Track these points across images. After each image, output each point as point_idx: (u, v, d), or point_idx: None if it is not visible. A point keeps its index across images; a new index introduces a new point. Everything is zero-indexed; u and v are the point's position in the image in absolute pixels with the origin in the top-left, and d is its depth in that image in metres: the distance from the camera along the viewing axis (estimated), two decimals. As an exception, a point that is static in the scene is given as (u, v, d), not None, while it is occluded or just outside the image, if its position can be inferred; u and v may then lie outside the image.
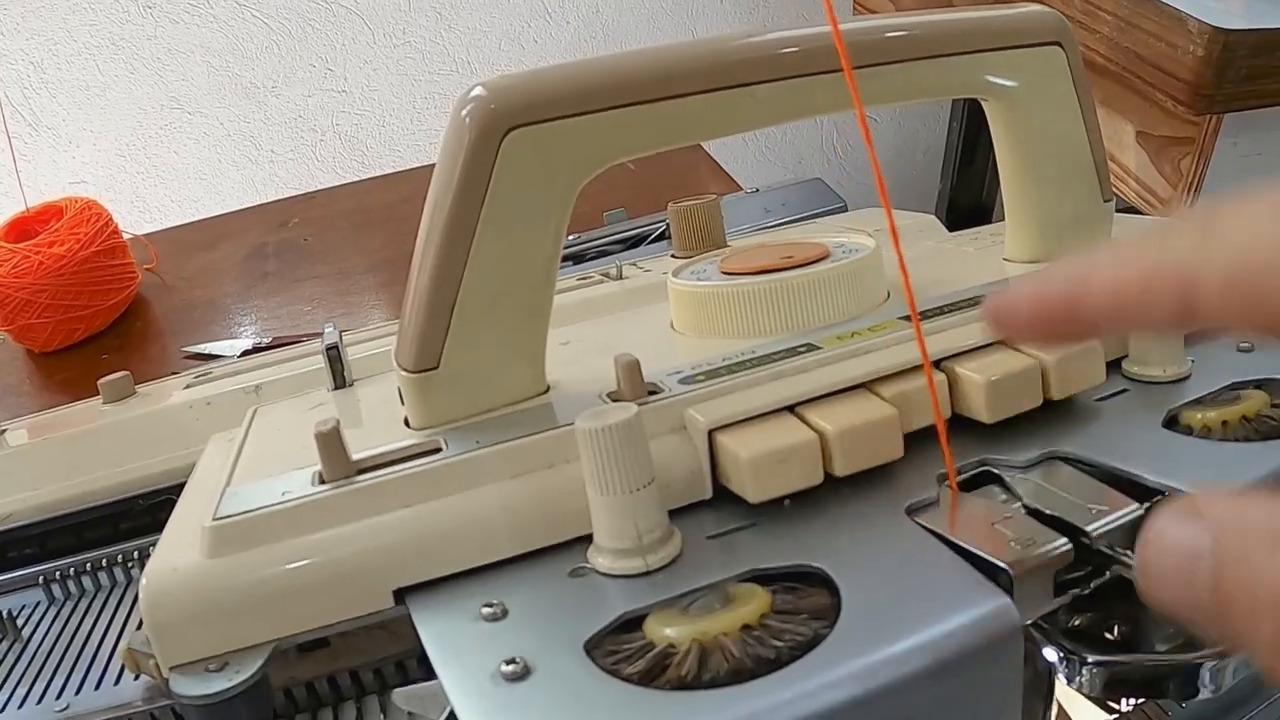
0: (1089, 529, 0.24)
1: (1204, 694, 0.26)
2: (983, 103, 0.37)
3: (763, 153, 1.40)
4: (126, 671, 0.32)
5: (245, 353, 0.68)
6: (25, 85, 1.13)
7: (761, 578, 0.23)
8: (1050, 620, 0.26)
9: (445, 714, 0.21)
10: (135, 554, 0.40)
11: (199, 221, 0.90)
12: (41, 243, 0.70)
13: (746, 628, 0.21)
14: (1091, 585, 0.26)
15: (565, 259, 0.68)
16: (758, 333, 0.33)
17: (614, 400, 0.29)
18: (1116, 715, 0.31)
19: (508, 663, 0.21)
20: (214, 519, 0.26)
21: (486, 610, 0.23)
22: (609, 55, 0.29)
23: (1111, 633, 0.27)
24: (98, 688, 0.32)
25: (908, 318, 0.33)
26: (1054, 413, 0.30)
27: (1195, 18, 0.62)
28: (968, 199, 1.25)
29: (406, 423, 0.30)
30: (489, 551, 0.25)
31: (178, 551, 0.26)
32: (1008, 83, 0.36)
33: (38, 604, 0.39)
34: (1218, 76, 0.62)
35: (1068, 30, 0.37)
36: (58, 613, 0.38)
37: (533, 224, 0.28)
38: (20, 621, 0.38)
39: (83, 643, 0.35)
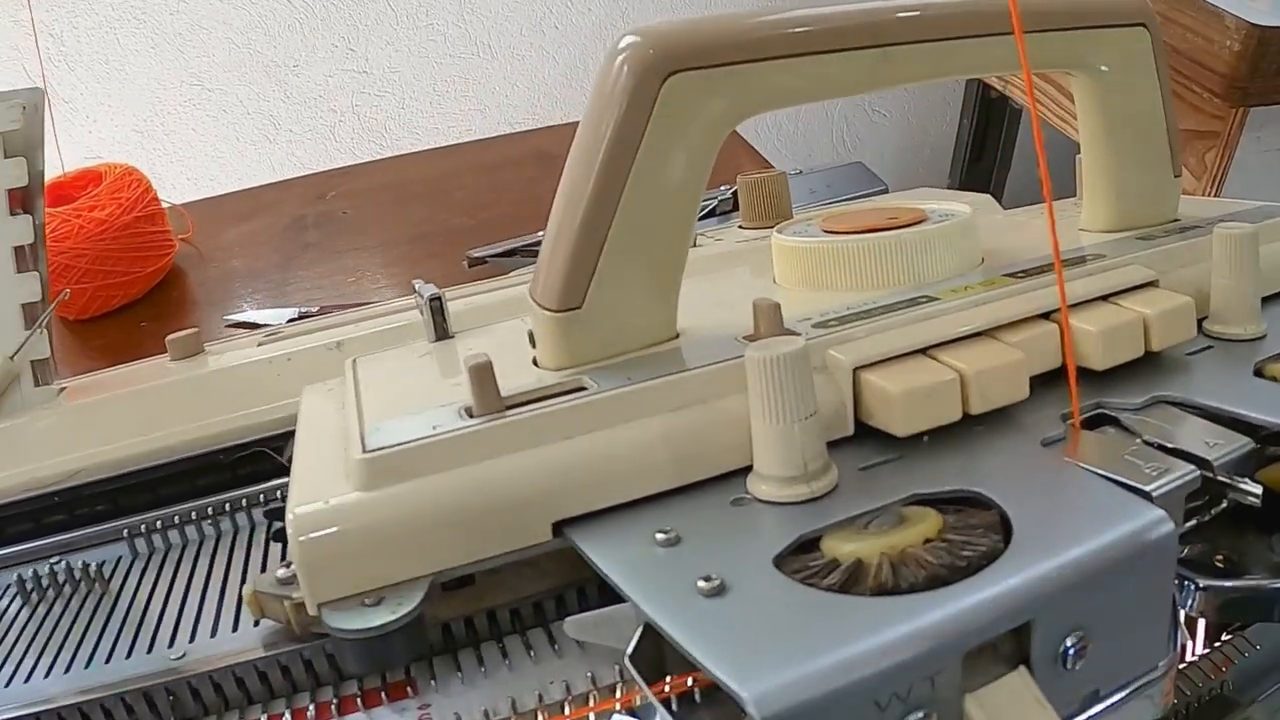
0: (1212, 459, 0.26)
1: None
2: (1071, 76, 0.38)
3: (775, 144, 1.41)
4: (244, 619, 0.31)
5: (291, 321, 0.69)
6: (45, 57, 1.12)
7: (926, 501, 0.24)
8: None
9: (635, 638, 0.22)
10: (225, 506, 0.39)
11: (234, 193, 0.90)
12: (82, 206, 0.70)
13: (928, 542, 0.22)
14: (1211, 513, 0.27)
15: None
16: (869, 287, 0.34)
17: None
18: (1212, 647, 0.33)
19: (704, 579, 0.22)
20: (365, 452, 0.26)
21: (661, 536, 0.24)
22: (762, 10, 0.30)
23: (1219, 562, 0.29)
24: (213, 635, 0.30)
25: (1012, 275, 0.34)
26: (1153, 364, 0.32)
27: (1233, 14, 0.64)
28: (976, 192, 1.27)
29: (535, 364, 0.31)
30: (651, 483, 0.26)
31: (322, 488, 0.26)
32: (1099, 59, 0.37)
33: (119, 559, 0.38)
34: (1251, 70, 0.64)
35: (1152, 13, 0.39)
36: (144, 567, 0.37)
37: (683, 167, 0.29)
38: (106, 575, 0.37)
39: (182, 593, 0.34)
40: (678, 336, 0.32)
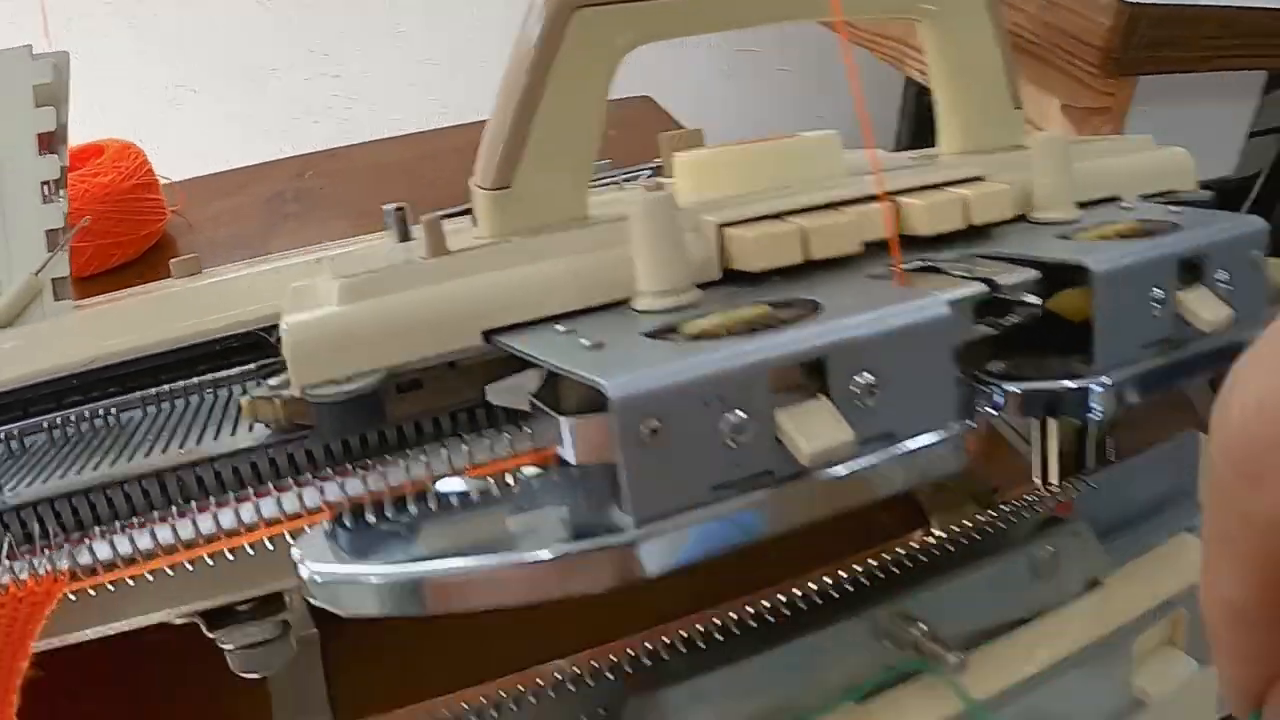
0: (1000, 280, 0.34)
1: (1095, 415, 0.35)
2: (916, 23, 0.46)
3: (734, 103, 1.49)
4: (241, 427, 0.37)
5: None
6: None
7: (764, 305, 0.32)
8: (980, 368, 0.36)
9: (539, 383, 0.30)
10: (226, 381, 0.45)
11: (218, 174, 0.98)
12: (86, 174, 0.78)
13: (760, 318, 0.30)
14: (1002, 322, 0.35)
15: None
16: (749, 186, 0.42)
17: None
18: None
19: (587, 341, 0.29)
20: (343, 276, 0.34)
21: (561, 328, 0.32)
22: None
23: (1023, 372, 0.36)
24: (215, 438, 0.36)
25: (861, 174, 0.42)
26: (976, 235, 0.39)
27: (1104, -9, 0.73)
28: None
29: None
30: (558, 304, 0.34)
31: (308, 306, 0.33)
32: (935, 6, 0.46)
33: (132, 416, 0.43)
34: (1124, 43, 0.73)
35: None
36: (155, 416, 0.42)
37: (588, 81, 0.37)
38: (124, 422, 0.42)
39: (188, 426, 0.39)
40: (589, 218, 0.40)
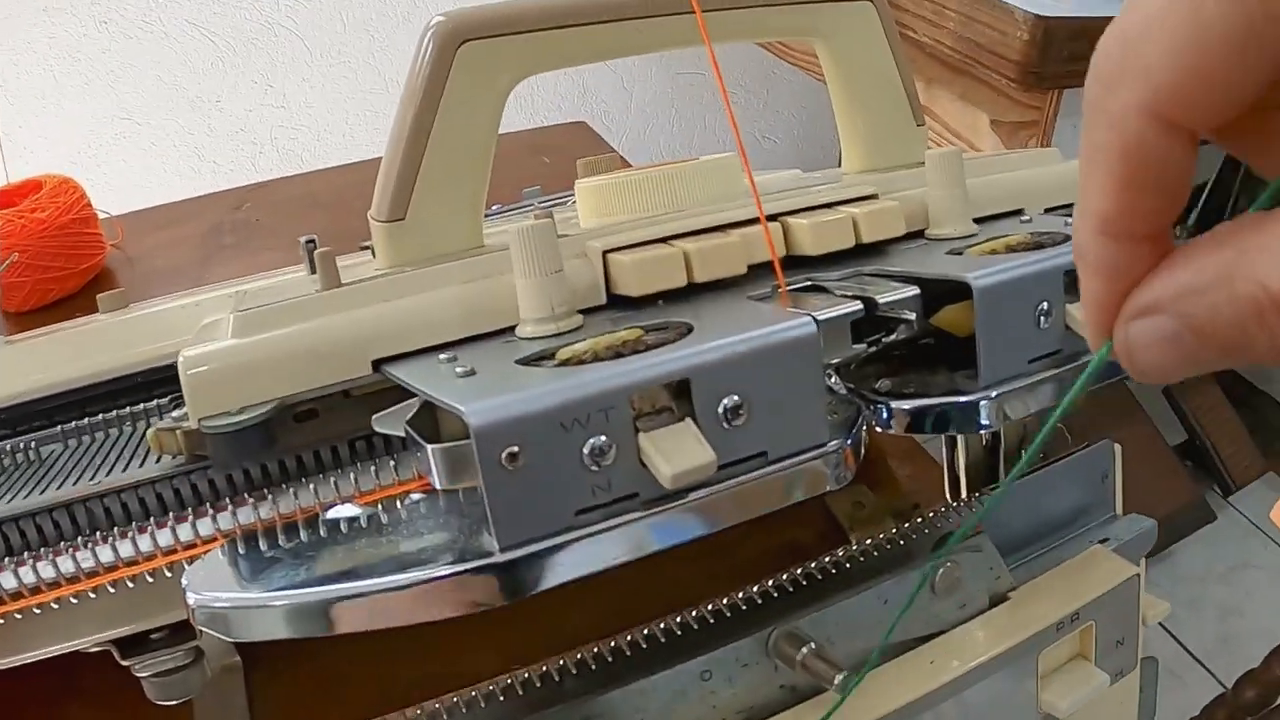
0: (878, 299, 0.35)
1: (986, 424, 0.36)
2: (815, 45, 0.48)
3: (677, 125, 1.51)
4: (151, 459, 0.38)
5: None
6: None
7: (640, 329, 0.33)
8: (864, 385, 0.37)
9: (414, 411, 0.30)
10: (143, 415, 0.45)
11: (158, 206, 0.99)
12: (24, 209, 0.79)
13: (627, 343, 0.31)
14: (882, 340, 0.36)
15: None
16: (644, 211, 0.43)
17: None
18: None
19: (461, 369, 0.30)
20: (238, 311, 0.34)
21: (444, 357, 0.33)
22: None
23: (909, 391, 0.37)
24: (124, 470, 0.38)
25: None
26: (866, 252, 0.40)
27: (1021, 8, 0.75)
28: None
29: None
30: (445, 333, 0.35)
31: (208, 342, 0.34)
32: (831, 28, 0.47)
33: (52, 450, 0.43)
34: (1041, 56, 0.75)
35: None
36: (74, 449, 0.43)
37: (476, 111, 0.38)
38: (43, 455, 0.43)
39: (103, 458, 0.41)
40: (484, 247, 0.40)
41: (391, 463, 0.34)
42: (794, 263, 0.40)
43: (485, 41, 0.38)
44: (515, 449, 0.26)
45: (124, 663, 0.39)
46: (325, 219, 0.91)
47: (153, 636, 0.39)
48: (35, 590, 0.35)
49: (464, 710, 0.35)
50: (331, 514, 0.33)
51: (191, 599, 0.30)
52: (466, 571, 0.27)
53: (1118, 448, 0.49)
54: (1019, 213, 0.47)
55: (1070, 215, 0.45)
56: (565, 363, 0.30)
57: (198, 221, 0.94)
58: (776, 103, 1.54)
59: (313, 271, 0.47)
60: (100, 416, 0.46)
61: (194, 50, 1.27)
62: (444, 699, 0.36)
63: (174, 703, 0.41)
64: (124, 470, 0.38)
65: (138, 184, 1.28)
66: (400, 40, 1.34)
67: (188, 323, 0.51)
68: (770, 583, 0.39)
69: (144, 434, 0.45)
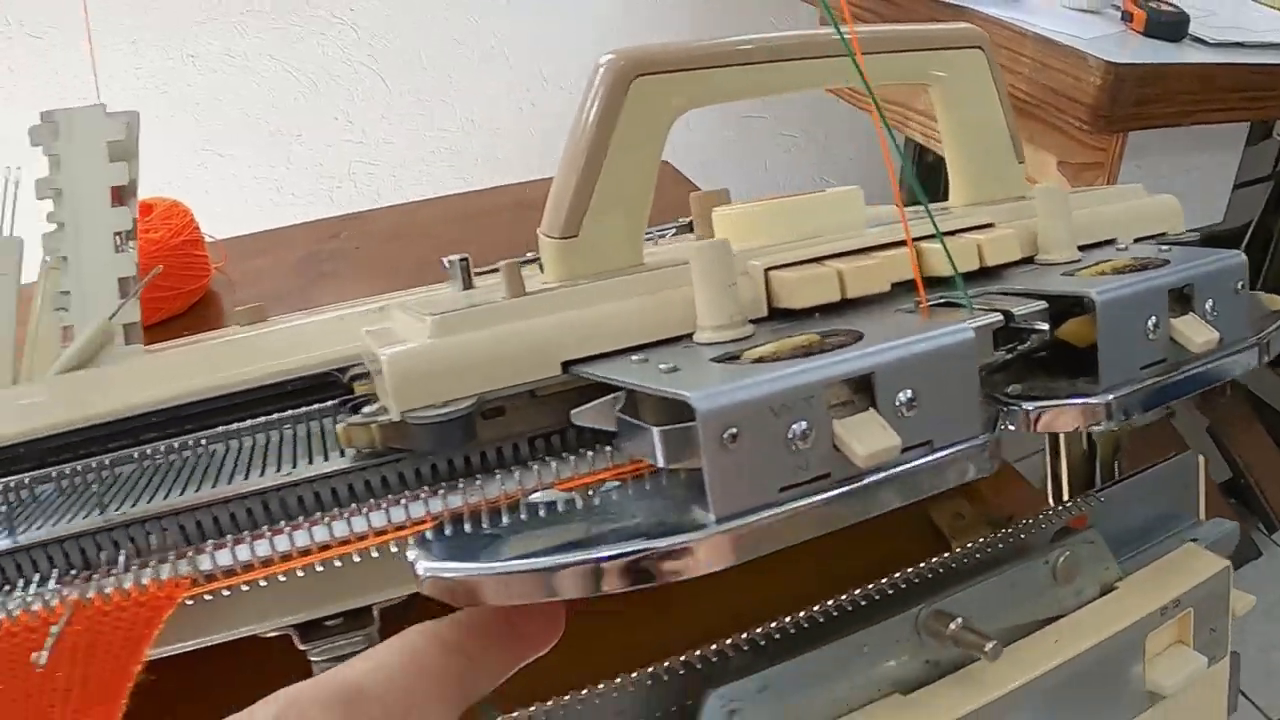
0: (1014, 311, 0.38)
1: (1110, 421, 0.39)
2: (931, 88, 0.52)
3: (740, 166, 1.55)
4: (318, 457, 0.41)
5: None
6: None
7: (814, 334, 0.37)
8: (1000, 390, 0.41)
9: (622, 401, 0.34)
10: (303, 417, 0.47)
11: (250, 234, 1.03)
12: (138, 230, 0.82)
13: (812, 344, 0.35)
14: (1018, 348, 0.40)
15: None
16: (780, 237, 0.47)
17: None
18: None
19: (664, 366, 0.34)
20: (434, 314, 0.38)
21: (636, 357, 0.37)
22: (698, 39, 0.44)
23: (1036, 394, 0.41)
24: (310, 463, 0.40)
25: (884, 225, 0.47)
26: (989, 275, 0.44)
27: (1093, 54, 0.79)
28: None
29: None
30: (631, 337, 0.38)
31: (404, 342, 0.38)
32: (946, 72, 0.51)
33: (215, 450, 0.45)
34: (1111, 101, 0.79)
35: (986, 39, 0.53)
36: (241, 446, 0.45)
37: (645, 141, 0.42)
38: (211, 451, 0.45)
39: (277, 455, 0.42)
40: (643, 264, 0.44)
41: (589, 455, 0.38)
42: (927, 283, 0.43)
43: (656, 77, 0.42)
44: (735, 430, 0.30)
45: (302, 647, 0.42)
46: (421, 249, 0.95)
47: (328, 623, 0.43)
48: (248, 567, 0.38)
49: (648, 683, 0.38)
50: (534, 498, 0.36)
51: (421, 568, 0.33)
52: (690, 541, 0.30)
53: (1201, 458, 0.53)
54: (1112, 242, 0.51)
55: (1161, 245, 0.49)
56: (757, 361, 0.34)
57: (289, 249, 0.98)
58: (833, 146, 1.60)
59: (465, 287, 0.51)
60: (249, 422, 0.48)
61: (276, 84, 1.33)
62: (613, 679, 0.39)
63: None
64: (296, 466, 0.41)
65: (219, 214, 1.32)
66: (476, 82, 1.40)
67: (335, 334, 0.54)
68: (909, 571, 0.42)
69: (294, 437, 0.46)
